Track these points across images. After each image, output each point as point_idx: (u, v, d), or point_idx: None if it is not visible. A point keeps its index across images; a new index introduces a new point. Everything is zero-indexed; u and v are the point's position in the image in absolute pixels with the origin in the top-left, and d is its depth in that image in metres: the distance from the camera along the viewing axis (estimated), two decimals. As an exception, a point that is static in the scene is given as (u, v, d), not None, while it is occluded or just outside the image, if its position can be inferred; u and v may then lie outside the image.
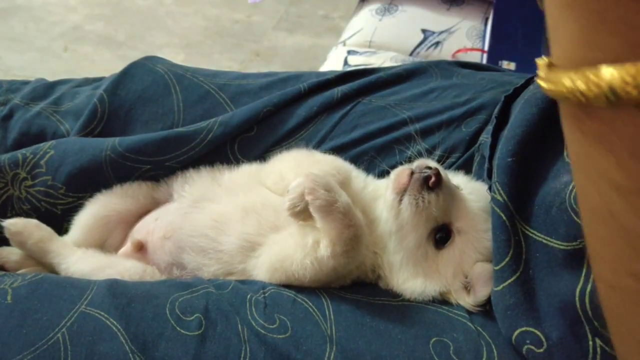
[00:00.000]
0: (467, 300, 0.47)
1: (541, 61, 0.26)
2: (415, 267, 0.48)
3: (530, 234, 0.43)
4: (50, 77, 0.76)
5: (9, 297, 0.44)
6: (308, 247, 0.46)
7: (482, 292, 0.46)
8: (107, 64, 1.66)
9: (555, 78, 0.24)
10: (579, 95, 0.22)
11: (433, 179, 0.47)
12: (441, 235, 0.48)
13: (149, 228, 0.59)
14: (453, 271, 0.47)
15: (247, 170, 0.58)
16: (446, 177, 0.49)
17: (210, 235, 0.53)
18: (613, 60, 0.21)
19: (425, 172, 0.48)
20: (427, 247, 0.48)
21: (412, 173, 0.48)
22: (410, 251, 0.48)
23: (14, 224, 0.57)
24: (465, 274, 0.47)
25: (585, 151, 0.26)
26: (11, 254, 0.60)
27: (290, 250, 0.47)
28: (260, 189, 0.55)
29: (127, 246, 0.58)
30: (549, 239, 0.41)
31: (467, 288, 0.47)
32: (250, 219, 0.51)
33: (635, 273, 0.26)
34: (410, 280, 0.48)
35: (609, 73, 0.21)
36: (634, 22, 0.21)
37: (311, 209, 0.45)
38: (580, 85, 0.22)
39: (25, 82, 0.73)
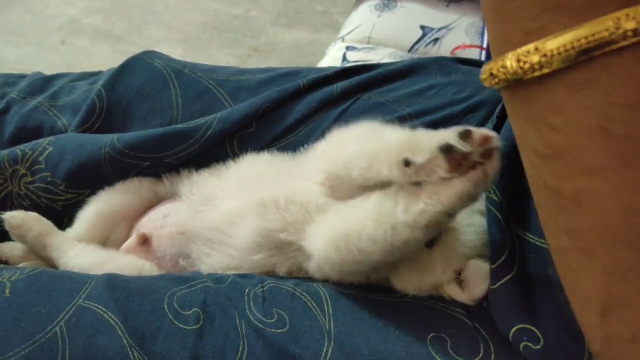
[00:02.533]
0: (461, 297, 0.47)
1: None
2: (411, 264, 0.48)
3: (524, 236, 0.43)
4: (48, 71, 0.76)
5: (7, 291, 0.44)
6: (388, 212, 0.39)
7: (476, 290, 0.46)
8: (104, 58, 1.66)
9: (483, 69, 0.30)
10: (495, 79, 0.29)
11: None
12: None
13: (156, 223, 0.59)
14: (442, 267, 0.47)
15: (256, 160, 0.58)
16: None
17: (222, 228, 0.52)
18: (515, 48, 0.27)
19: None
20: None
21: None
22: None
23: (14, 217, 0.58)
24: (454, 268, 0.47)
25: (518, 130, 0.31)
26: (14, 249, 0.60)
27: (358, 223, 0.41)
28: (284, 181, 0.52)
29: (132, 239, 0.58)
30: (543, 241, 0.41)
31: (462, 285, 0.47)
32: (271, 214, 0.49)
33: (567, 230, 0.30)
34: (406, 277, 0.48)
35: (509, 56, 0.28)
36: (527, 16, 0.27)
37: (462, 182, 0.36)
38: (494, 70, 0.29)
39: (22, 76, 0.73)
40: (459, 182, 0.36)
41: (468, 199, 0.37)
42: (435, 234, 0.44)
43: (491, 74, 0.29)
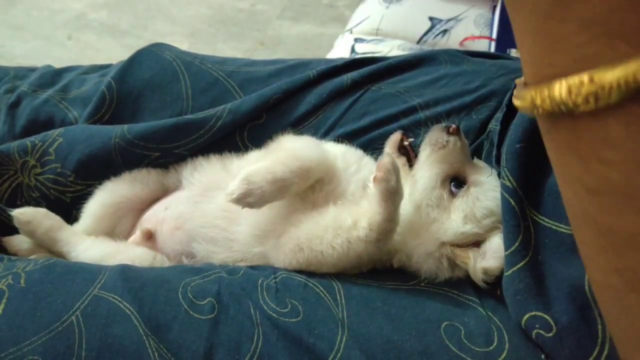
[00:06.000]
0: (474, 265, 0.47)
1: (518, 80, 0.28)
2: (427, 213, 0.49)
3: (539, 220, 0.43)
4: (55, 66, 0.76)
5: (22, 281, 0.44)
6: (344, 227, 0.47)
7: (491, 262, 0.46)
8: (111, 53, 1.66)
9: (522, 95, 0.27)
10: (539, 109, 0.25)
11: (454, 126, 0.52)
12: (455, 183, 0.51)
13: (158, 217, 0.59)
14: (464, 215, 0.49)
15: (255, 157, 0.58)
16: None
17: (221, 225, 0.53)
18: (563, 75, 0.24)
19: (446, 124, 0.53)
20: (442, 190, 0.50)
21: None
22: (424, 193, 0.50)
23: (22, 214, 0.57)
24: (477, 219, 0.49)
25: (560, 159, 0.28)
26: (23, 242, 0.60)
27: (320, 230, 0.48)
28: None
29: (137, 235, 0.58)
30: (558, 224, 0.41)
31: (478, 257, 0.48)
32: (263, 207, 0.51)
33: (618, 269, 0.27)
34: (422, 243, 0.49)
35: (557, 85, 0.24)
36: (575, 41, 0.24)
37: (377, 190, 0.46)
38: (537, 100, 0.25)
39: (32, 69, 0.73)
40: (373, 190, 0.46)
41: (392, 196, 0.46)
42: (384, 252, 0.49)
43: (534, 104, 0.26)
